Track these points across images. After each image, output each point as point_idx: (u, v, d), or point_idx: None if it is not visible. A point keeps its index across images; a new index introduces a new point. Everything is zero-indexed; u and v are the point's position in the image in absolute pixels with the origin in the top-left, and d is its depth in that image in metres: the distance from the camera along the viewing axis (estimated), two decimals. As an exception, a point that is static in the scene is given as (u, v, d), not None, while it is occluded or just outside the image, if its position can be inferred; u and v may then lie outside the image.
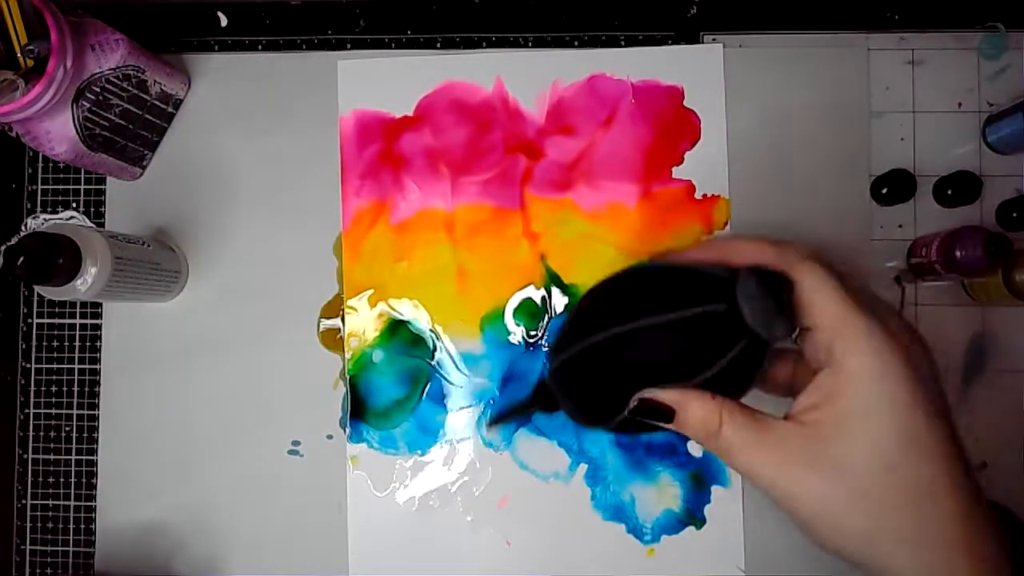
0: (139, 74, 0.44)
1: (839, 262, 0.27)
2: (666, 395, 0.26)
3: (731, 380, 0.26)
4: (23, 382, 0.49)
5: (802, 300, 0.25)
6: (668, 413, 0.26)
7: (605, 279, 0.29)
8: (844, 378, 0.24)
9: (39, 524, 0.48)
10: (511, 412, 0.42)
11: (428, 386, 0.47)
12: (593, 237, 0.47)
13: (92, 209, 0.49)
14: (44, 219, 0.49)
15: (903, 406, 0.23)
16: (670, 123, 0.47)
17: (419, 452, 0.47)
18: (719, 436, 0.25)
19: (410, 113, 0.48)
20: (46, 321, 0.49)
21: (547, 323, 0.47)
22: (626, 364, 0.27)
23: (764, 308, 0.24)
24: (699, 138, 0.47)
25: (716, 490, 0.46)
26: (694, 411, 0.26)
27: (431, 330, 0.47)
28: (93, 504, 0.48)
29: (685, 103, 0.48)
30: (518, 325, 0.47)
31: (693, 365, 0.26)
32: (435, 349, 0.47)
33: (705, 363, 0.25)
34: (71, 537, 0.48)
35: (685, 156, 0.47)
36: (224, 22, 0.50)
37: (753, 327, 0.24)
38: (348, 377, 0.47)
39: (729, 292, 0.25)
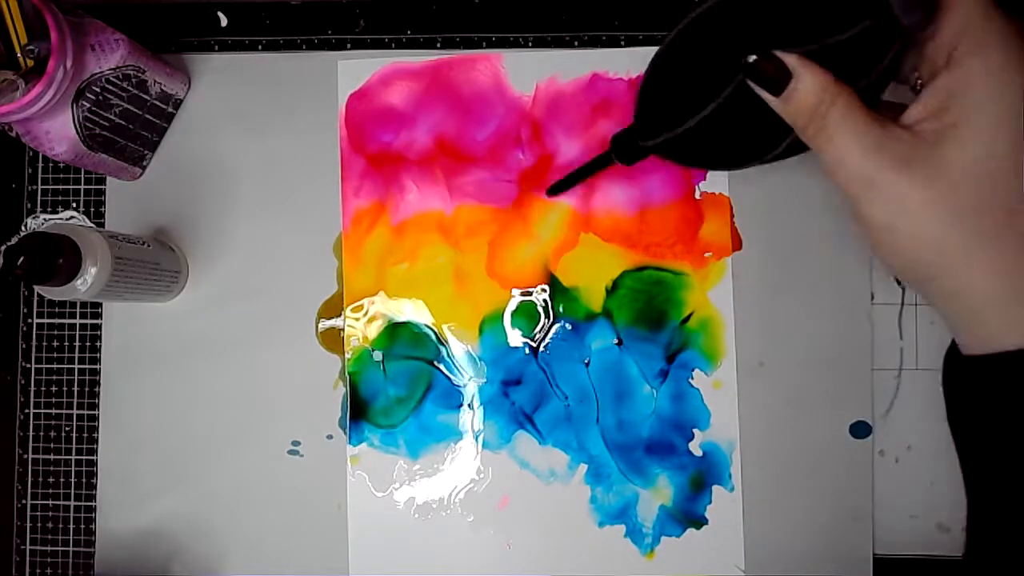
0: (139, 74, 0.44)
1: None
2: (786, 56, 0.23)
3: (844, 66, 0.23)
4: (23, 382, 0.49)
5: None
6: (782, 78, 0.23)
7: None
8: (962, 79, 0.22)
9: (39, 524, 0.48)
10: (585, 170, 0.35)
11: (429, 387, 0.47)
12: (593, 239, 0.47)
13: (92, 209, 0.49)
14: (44, 219, 0.49)
15: (1020, 116, 0.21)
16: (670, 123, 0.47)
17: (419, 452, 0.47)
18: (826, 114, 0.23)
19: (410, 113, 0.48)
20: (46, 321, 0.49)
21: (547, 326, 0.47)
22: (725, 39, 0.24)
23: None
24: (699, 138, 0.47)
25: (716, 490, 0.46)
26: (811, 80, 0.23)
27: (431, 331, 0.47)
28: (93, 504, 0.48)
29: (685, 103, 0.48)
30: (517, 328, 0.47)
31: (802, 34, 0.23)
32: (436, 350, 0.47)
33: (814, 35, 0.23)
34: (71, 537, 0.48)
35: (685, 156, 0.47)
36: (224, 22, 0.50)
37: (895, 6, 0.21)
38: (348, 376, 0.47)
39: None
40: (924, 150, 0.22)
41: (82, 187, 0.49)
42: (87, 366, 0.49)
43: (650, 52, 0.47)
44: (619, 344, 0.47)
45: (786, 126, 0.25)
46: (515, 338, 0.47)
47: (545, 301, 0.47)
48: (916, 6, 0.22)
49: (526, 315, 0.47)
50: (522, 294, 0.47)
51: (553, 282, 0.47)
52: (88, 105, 0.42)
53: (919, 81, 0.24)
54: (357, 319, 0.48)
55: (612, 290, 0.47)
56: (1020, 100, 0.21)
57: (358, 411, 0.47)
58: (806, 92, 0.23)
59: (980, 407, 0.24)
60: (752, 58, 0.24)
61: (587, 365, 0.47)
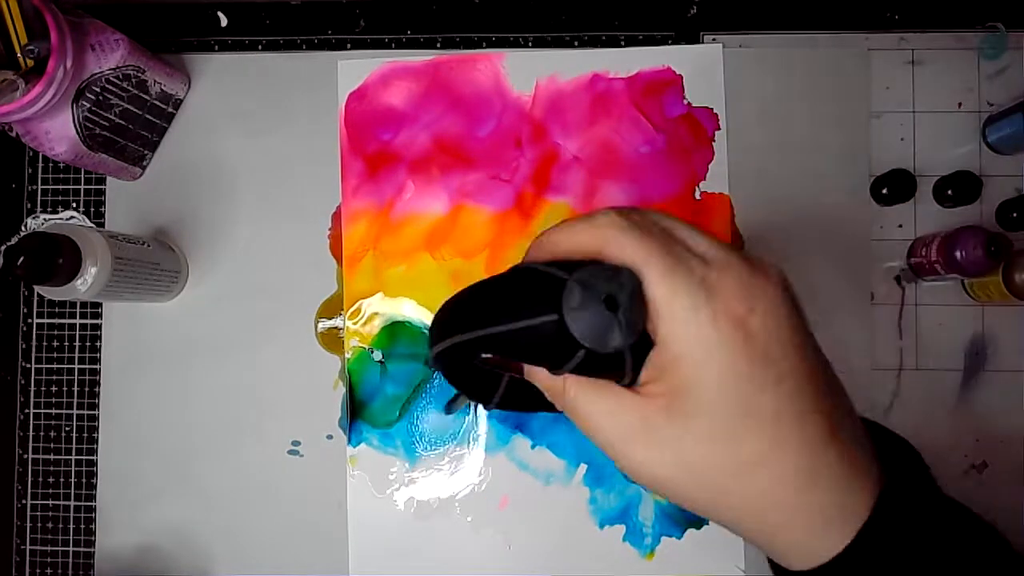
0: (139, 74, 0.44)
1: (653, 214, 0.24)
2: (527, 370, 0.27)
3: (594, 374, 0.25)
4: (23, 382, 0.49)
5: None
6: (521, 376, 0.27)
7: (485, 280, 0.28)
8: (671, 359, 0.23)
9: (39, 524, 0.48)
10: (457, 399, 0.43)
11: (428, 387, 0.47)
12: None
13: (92, 209, 0.49)
14: (44, 219, 0.49)
15: (733, 379, 0.22)
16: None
17: (419, 452, 0.47)
18: (564, 394, 0.26)
19: (410, 114, 0.48)
20: (46, 321, 0.49)
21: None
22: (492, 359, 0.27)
23: (591, 319, 0.23)
24: (699, 138, 0.47)
25: (716, 490, 0.46)
26: (541, 377, 0.26)
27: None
28: (93, 504, 0.48)
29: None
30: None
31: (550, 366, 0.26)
32: (435, 349, 0.47)
33: (557, 364, 0.25)
34: (71, 537, 0.48)
35: (685, 156, 0.47)
36: (224, 22, 0.50)
37: (583, 341, 0.23)
38: (348, 376, 0.47)
39: (558, 300, 0.23)
40: (654, 422, 0.24)
41: (82, 187, 0.49)
42: (87, 366, 0.49)
43: (650, 52, 0.48)
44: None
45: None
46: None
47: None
48: (608, 336, 0.23)
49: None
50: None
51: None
52: (88, 105, 0.42)
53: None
54: (356, 317, 0.48)
55: (612, 290, 0.47)
56: (729, 367, 0.22)
57: (358, 411, 0.47)
58: (539, 373, 0.26)
59: None
60: (502, 391, 0.28)
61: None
